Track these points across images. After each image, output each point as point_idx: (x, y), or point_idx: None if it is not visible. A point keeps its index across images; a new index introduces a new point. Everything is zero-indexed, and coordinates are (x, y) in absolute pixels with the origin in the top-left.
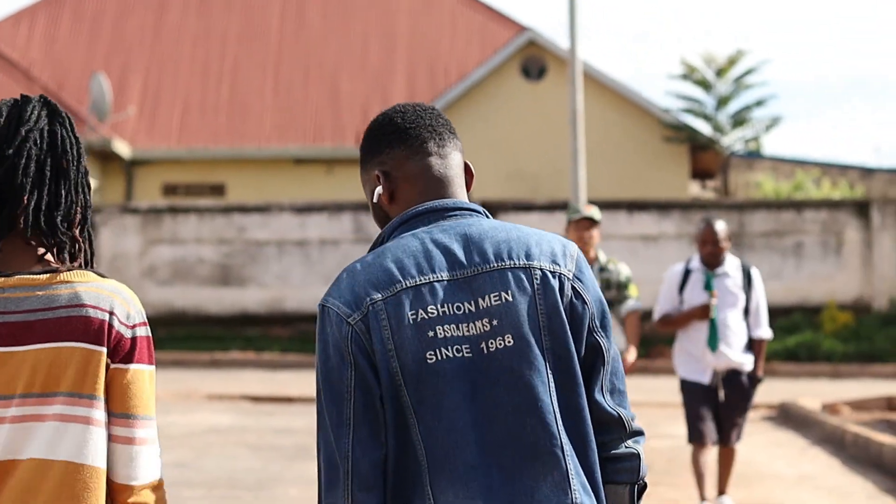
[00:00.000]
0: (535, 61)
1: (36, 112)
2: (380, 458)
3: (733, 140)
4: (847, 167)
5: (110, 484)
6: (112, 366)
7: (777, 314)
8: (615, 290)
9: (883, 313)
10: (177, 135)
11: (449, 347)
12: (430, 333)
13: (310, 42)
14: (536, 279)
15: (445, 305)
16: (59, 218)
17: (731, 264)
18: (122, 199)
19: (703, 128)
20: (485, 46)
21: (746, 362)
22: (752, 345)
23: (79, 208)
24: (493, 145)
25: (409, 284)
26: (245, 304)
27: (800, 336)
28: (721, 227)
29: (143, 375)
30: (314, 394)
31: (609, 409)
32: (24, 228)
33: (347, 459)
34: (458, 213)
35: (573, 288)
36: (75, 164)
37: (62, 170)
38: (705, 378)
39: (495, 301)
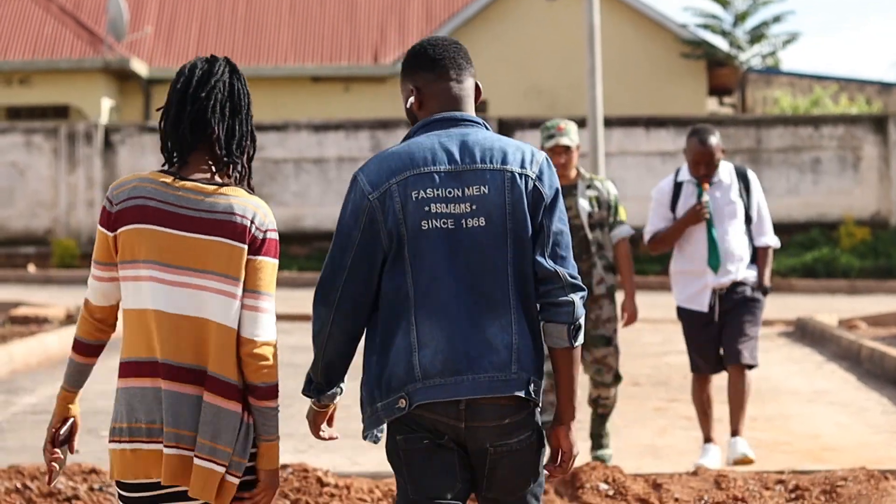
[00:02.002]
0: None
1: (221, 68)
2: (361, 295)
3: (751, 56)
4: (865, 82)
5: (239, 338)
6: (248, 256)
7: (794, 230)
8: (605, 210)
9: None
10: (194, 53)
11: (438, 219)
12: (426, 208)
13: None
14: (507, 179)
15: (440, 189)
16: (234, 145)
17: (724, 171)
18: (141, 119)
19: (721, 44)
20: None
21: (751, 275)
22: (756, 256)
23: (247, 141)
24: (510, 62)
25: (416, 172)
26: None
27: (817, 252)
28: (714, 141)
29: (268, 264)
30: None
31: (548, 266)
32: (209, 149)
33: (338, 290)
34: (463, 123)
35: (534, 185)
36: (246, 108)
37: (236, 111)
38: (704, 304)
39: (476, 192)
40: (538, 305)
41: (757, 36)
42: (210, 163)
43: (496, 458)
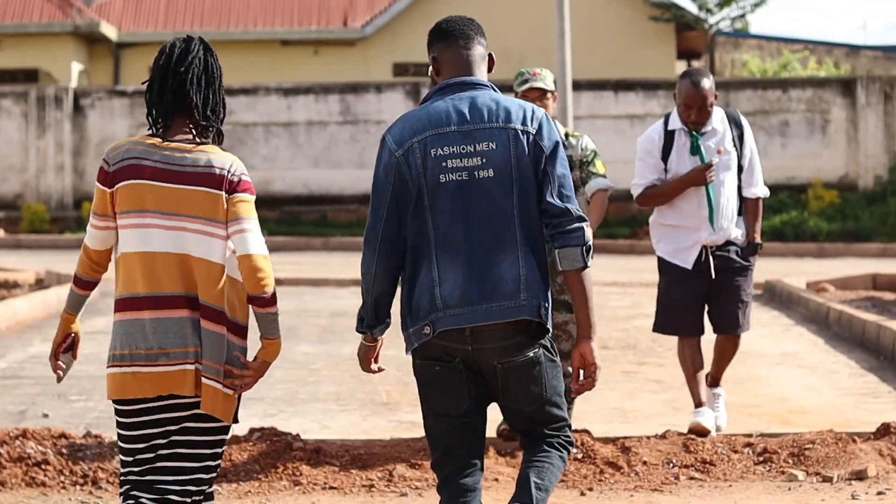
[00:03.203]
0: None
1: (196, 47)
2: (397, 237)
3: (720, 19)
4: (834, 45)
5: (239, 261)
6: (227, 198)
7: None
8: (577, 170)
9: (868, 191)
10: (163, 17)
11: (454, 173)
12: (444, 164)
13: None
14: (511, 135)
15: (454, 146)
16: (209, 111)
17: (717, 118)
18: (110, 83)
19: (690, 7)
20: None
21: (740, 231)
22: (745, 207)
23: (220, 107)
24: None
25: (434, 132)
26: None
27: (786, 215)
28: (708, 84)
29: (245, 199)
30: (302, 276)
31: (557, 204)
32: (189, 115)
33: (378, 235)
34: (472, 86)
35: (534, 139)
36: (218, 79)
37: (210, 83)
38: (689, 261)
39: (485, 147)
40: (551, 237)
41: None
42: (189, 126)
43: (505, 374)
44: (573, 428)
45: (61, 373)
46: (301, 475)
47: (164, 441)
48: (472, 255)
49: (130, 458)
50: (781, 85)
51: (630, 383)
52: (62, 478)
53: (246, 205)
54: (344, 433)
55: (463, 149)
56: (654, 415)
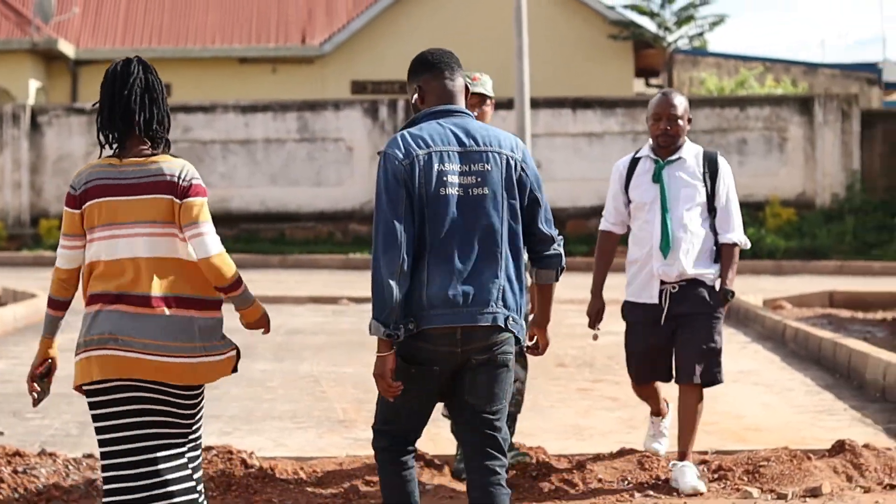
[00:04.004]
0: None
1: (136, 68)
2: (412, 235)
3: (678, 37)
4: (791, 63)
5: (199, 263)
6: (179, 203)
7: None
8: None
9: (825, 209)
10: (121, 34)
11: (452, 187)
12: (444, 178)
13: None
14: (503, 159)
15: (454, 164)
16: (154, 125)
17: (690, 151)
18: (68, 100)
19: (649, 25)
20: None
21: (708, 272)
22: (720, 253)
23: (165, 120)
24: (439, 43)
25: (436, 149)
26: None
27: None
28: (680, 101)
29: (197, 202)
30: (259, 293)
31: (546, 232)
32: (137, 132)
33: (401, 233)
34: (458, 114)
35: (521, 167)
36: (160, 95)
37: (154, 99)
38: (653, 295)
39: (480, 168)
40: (534, 258)
41: (684, 17)
42: (142, 141)
43: (477, 367)
44: (528, 445)
45: (36, 395)
46: (256, 493)
47: (131, 420)
48: (460, 262)
49: (105, 437)
50: (739, 103)
51: (585, 401)
52: (16, 496)
53: (199, 208)
54: (300, 451)
55: (461, 167)
56: (609, 432)
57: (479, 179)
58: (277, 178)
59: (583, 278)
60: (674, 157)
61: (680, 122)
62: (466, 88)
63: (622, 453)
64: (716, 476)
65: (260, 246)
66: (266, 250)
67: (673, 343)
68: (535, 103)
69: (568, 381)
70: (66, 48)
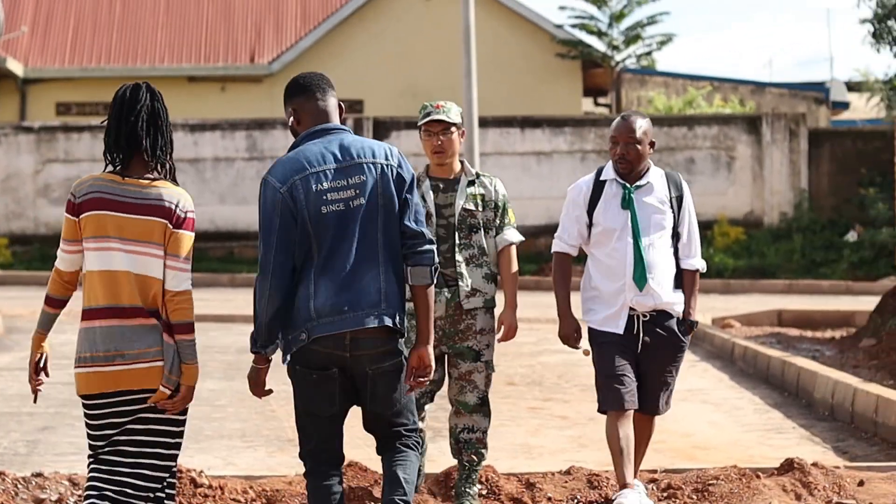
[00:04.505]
0: None
1: (144, 95)
2: (288, 265)
3: (626, 56)
4: (739, 82)
5: (165, 292)
6: (171, 230)
7: None
8: (491, 212)
9: (773, 228)
10: (70, 53)
11: (333, 204)
12: (324, 197)
13: None
14: (378, 169)
15: (332, 182)
16: (158, 151)
17: (656, 175)
18: (16, 119)
19: (597, 44)
20: None
21: (676, 302)
22: (682, 279)
23: (169, 146)
24: (386, 63)
25: (313, 170)
26: None
27: None
28: (640, 124)
29: (186, 236)
30: (208, 312)
31: (414, 228)
32: (143, 155)
33: (270, 264)
34: (335, 131)
35: (397, 171)
36: (165, 121)
37: (159, 126)
38: (620, 325)
39: (356, 180)
40: (406, 256)
41: (632, 37)
42: (145, 163)
43: (374, 378)
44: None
45: (40, 389)
46: None
47: (121, 429)
48: (343, 272)
49: (97, 444)
50: (687, 122)
51: (535, 419)
52: None
53: (185, 242)
54: (249, 469)
55: (339, 183)
56: (559, 451)
57: (357, 192)
58: (226, 196)
59: (532, 296)
60: (642, 182)
61: (639, 146)
62: (340, 106)
63: (571, 472)
64: (665, 495)
65: (209, 265)
66: (215, 269)
67: (639, 367)
68: (484, 122)
69: (517, 400)
70: (15, 67)
